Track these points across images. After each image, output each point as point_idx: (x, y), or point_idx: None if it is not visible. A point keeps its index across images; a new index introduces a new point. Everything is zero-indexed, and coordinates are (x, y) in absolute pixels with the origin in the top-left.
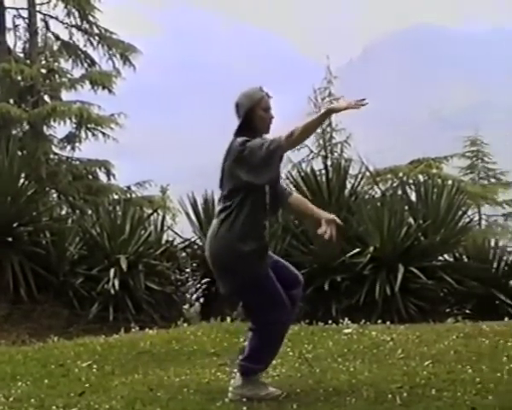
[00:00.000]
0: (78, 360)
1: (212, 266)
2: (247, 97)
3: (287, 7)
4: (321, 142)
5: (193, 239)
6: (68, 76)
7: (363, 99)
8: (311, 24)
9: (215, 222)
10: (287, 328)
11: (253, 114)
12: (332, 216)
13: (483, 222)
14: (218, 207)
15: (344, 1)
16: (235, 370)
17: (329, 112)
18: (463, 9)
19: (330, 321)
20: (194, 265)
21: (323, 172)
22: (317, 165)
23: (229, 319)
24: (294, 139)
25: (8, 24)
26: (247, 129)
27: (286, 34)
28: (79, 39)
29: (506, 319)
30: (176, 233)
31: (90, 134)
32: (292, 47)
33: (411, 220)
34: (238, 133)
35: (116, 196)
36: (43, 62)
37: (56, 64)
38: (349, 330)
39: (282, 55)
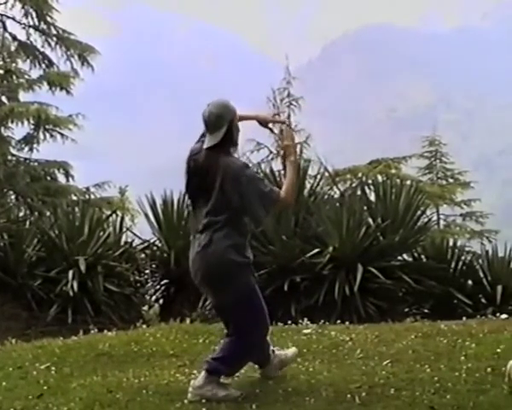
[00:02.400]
0: (37, 362)
1: (202, 280)
2: (228, 108)
3: (246, 7)
4: (280, 143)
5: (152, 240)
6: (26, 77)
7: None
8: (271, 24)
9: (203, 237)
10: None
11: (233, 126)
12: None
13: (441, 222)
14: (201, 221)
15: (305, 1)
16: (195, 371)
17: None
18: (423, 10)
19: (289, 321)
20: (154, 266)
21: (283, 172)
22: (277, 165)
23: (188, 320)
24: (287, 200)
25: None
26: (229, 141)
27: (245, 34)
28: (37, 40)
29: (464, 318)
30: (135, 234)
31: (48, 135)
32: (251, 47)
33: (370, 220)
34: (220, 146)
35: (75, 198)
36: (1, 63)
37: (14, 65)
38: (308, 331)
39: (241, 55)
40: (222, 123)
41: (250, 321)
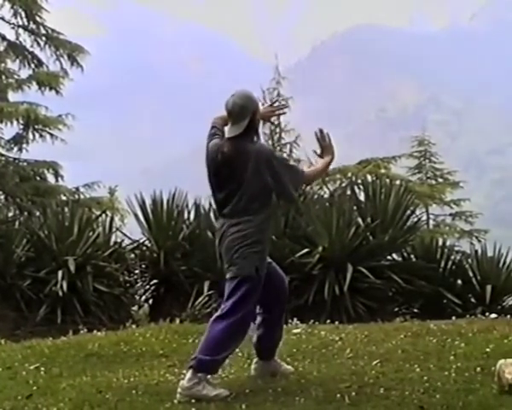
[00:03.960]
0: (26, 362)
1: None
2: (252, 99)
3: (235, 7)
4: (270, 142)
5: (141, 240)
6: (15, 77)
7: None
8: (260, 24)
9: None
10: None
11: (255, 117)
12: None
13: (431, 222)
14: (231, 219)
15: (294, 1)
16: (185, 371)
17: (331, 159)
18: (412, 10)
19: None
20: (143, 266)
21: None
22: None
23: (177, 320)
24: (311, 177)
25: None
26: (252, 130)
27: (234, 34)
28: (26, 40)
29: (453, 317)
30: (124, 234)
31: (37, 135)
32: (240, 47)
33: (360, 220)
34: (244, 135)
35: (64, 198)
36: None
37: (3, 65)
38: (298, 331)
39: (231, 55)
40: (246, 113)
41: (242, 303)
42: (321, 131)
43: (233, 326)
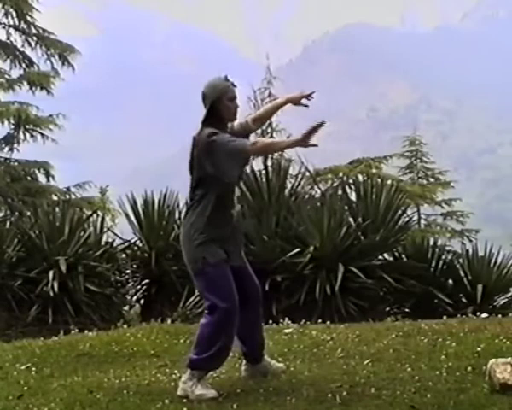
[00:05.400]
0: (17, 362)
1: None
2: (213, 88)
3: (226, 7)
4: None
5: (133, 240)
6: (6, 77)
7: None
8: (252, 24)
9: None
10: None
11: (219, 104)
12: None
13: (422, 221)
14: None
15: (285, 1)
16: (176, 371)
17: (297, 143)
18: (403, 10)
19: (271, 321)
20: (134, 266)
21: (263, 172)
22: (257, 165)
23: (169, 320)
24: (257, 148)
25: None
26: (214, 118)
27: (225, 34)
28: (17, 40)
29: (444, 317)
30: (115, 234)
31: (28, 135)
32: (231, 47)
33: (351, 220)
34: (205, 122)
35: (55, 198)
36: None
37: None
38: (289, 330)
39: (222, 55)
40: (206, 101)
41: (211, 294)
42: (319, 125)
43: (214, 320)
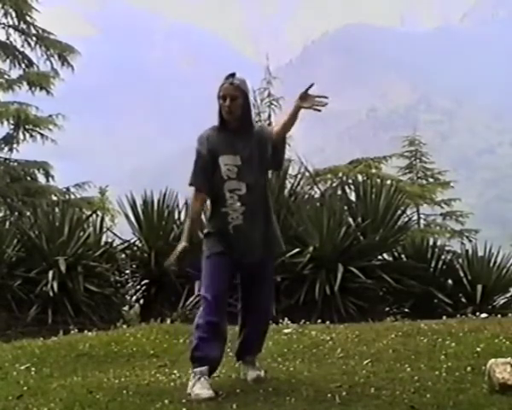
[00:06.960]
0: (17, 362)
1: None
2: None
3: (226, 7)
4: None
5: (132, 240)
6: (5, 77)
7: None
8: (251, 24)
9: None
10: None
11: (218, 103)
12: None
13: (421, 221)
14: None
15: (285, 1)
16: (176, 371)
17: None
18: (403, 10)
19: (270, 321)
20: (134, 266)
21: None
22: None
23: (168, 320)
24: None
25: None
26: (219, 116)
27: (225, 34)
28: (17, 40)
29: (444, 317)
30: (115, 234)
31: (27, 135)
32: (231, 47)
33: (350, 220)
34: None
35: (55, 198)
36: None
37: None
38: (289, 330)
39: (221, 55)
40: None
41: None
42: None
43: (200, 308)
